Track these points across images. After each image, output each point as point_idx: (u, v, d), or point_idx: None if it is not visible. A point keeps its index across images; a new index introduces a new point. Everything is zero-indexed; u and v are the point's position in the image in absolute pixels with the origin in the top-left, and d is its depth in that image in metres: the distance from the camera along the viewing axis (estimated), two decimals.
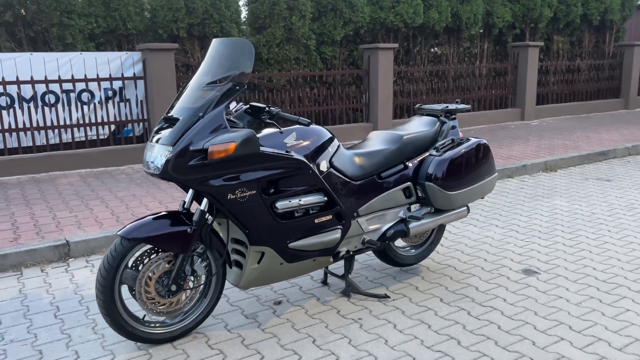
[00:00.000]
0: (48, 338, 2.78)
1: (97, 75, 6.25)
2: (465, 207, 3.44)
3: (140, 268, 2.58)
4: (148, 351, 2.64)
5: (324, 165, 2.91)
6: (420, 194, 3.27)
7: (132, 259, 2.60)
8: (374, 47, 8.09)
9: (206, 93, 2.57)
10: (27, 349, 2.68)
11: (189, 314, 2.78)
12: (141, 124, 6.70)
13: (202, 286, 2.75)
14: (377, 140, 3.29)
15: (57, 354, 2.62)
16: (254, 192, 2.61)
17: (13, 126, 5.92)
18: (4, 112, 5.88)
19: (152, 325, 2.67)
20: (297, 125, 2.89)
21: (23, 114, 5.97)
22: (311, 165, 2.78)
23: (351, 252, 3.08)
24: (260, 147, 2.60)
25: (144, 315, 2.69)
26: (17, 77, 5.84)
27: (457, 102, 3.61)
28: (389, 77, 8.24)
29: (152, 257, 2.61)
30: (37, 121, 6.01)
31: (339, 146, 3.03)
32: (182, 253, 2.61)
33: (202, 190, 2.53)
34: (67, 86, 6.15)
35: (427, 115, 3.55)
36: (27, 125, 5.99)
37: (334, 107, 8.20)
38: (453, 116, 3.50)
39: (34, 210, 4.71)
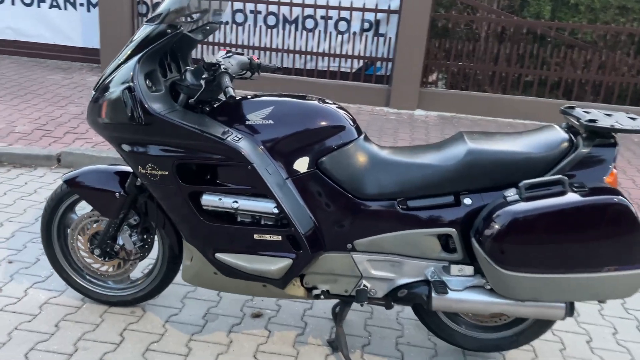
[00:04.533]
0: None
1: (351, 4, 5.91)
2: (564, 305, 1.90)
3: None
4: (82, 303, 2.46)
5: (301, 164, 2.00)
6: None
7: None
8: None
9: (140, 33, 2.01)
10: None
11: (133, 286, 2.45)
12: (385, 63, 6.14)
13: (133, 261, 2.36)
14: (437, 147, 2.07)
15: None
16: (167, 173, 1.99)
17: (274, 46, 6.24)
18: (269, 32, 6.23)
19: (92, 281, 2.46)
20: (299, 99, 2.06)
21: (278, 36, 6.21)
22: (252, 158, 1.92)
23: (329, 294, 2.11)
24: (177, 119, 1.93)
25: (93, 267, 2.48)
26: None
27: (628, 115, 1.92)
28: None
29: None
30: (300, 46, 6.18)
31: (350, 142, 2.01)
32: (106, 217, 2.26)
33: (118, 153, 2.08)
34: (324, 13, 6.05)
35: (567, 126, 2.02)
36: (285, 47, 6.23)
37: None
38: (610, 140, 1.88)
39: None
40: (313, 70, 6.22)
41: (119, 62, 2.01)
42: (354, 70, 6.20)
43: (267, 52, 6.27)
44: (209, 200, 2.00)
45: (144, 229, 2.32)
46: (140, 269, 2.54)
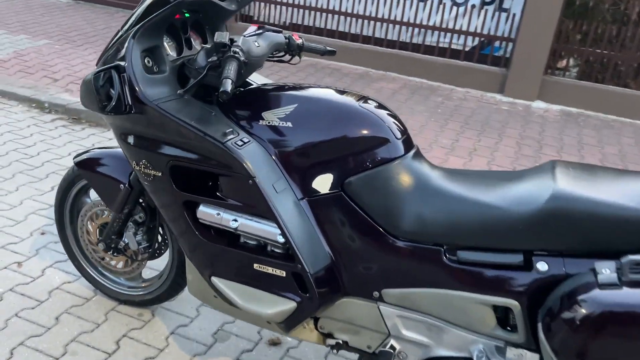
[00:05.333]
0: None
1: None
2: None
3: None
4: (93, 295, 2.24)
5: (322, 183, 1.54)
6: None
7: None
8: None
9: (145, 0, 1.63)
10: None
11: (142, 287, 2.18)
12: (505, 43, 5.30)
13: (140, 261, 2.07)
14: (512, 179, 1.49)
15: None
16: (160, 174, 1.63)
17: (380, 16, 5.66)
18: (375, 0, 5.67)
19: (103, 273, 2.23)
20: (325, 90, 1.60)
21: (385, 5, 5.60)
22: (255, 171, 1.49)
23: (348, 346, 1.67)
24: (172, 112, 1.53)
25: (103, 259, 2.24)
26: None
27: None
28: None
29: None
30: (409, 17, 5.54)
31: (391, 160, 1.51)
32: (110, 209, 1.97)
33: (117, 142, 1.76)
34: None
35: None
36: (392, 17, 5.62)
37: None
38: None
39: None
40: (420, 45, 5.57)
41: (121, 33, 1.66)
42: (467, 49, 5.44)
43: (371, 22, 5.71)
44: (206, 213, 1.62)
45: (150, 227, 2.01)
46: (163, 265, 2.26)
